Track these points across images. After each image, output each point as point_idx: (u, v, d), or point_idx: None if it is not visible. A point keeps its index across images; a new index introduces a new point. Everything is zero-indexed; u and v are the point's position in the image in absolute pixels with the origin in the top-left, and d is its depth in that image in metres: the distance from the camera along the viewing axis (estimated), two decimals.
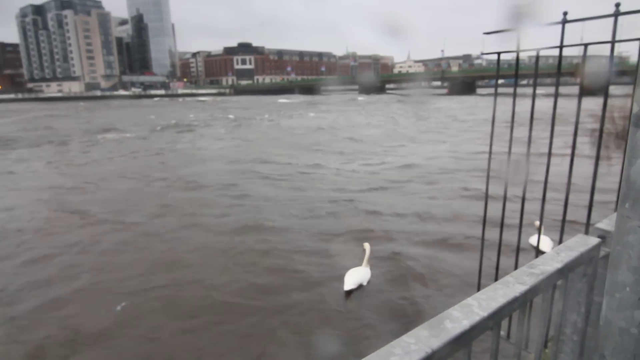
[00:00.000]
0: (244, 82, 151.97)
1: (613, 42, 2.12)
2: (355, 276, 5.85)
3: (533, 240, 6.51)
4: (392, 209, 9.26)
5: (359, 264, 6.14)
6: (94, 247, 7.38)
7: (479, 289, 3.13)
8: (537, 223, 7.12)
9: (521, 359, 1.26)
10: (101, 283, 6.10)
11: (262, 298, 5.64)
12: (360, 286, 5.82)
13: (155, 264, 6.68)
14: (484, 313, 0.93)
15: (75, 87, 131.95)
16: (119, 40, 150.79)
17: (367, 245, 6.23)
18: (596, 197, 2.40)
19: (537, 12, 2.25)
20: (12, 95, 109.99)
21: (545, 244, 6.41)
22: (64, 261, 6.83)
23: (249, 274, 6.38)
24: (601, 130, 2.35)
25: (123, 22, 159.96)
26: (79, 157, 17.82)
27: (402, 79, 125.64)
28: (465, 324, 0.89)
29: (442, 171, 13.31)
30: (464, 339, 0.88)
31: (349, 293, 5.67)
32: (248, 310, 5.32)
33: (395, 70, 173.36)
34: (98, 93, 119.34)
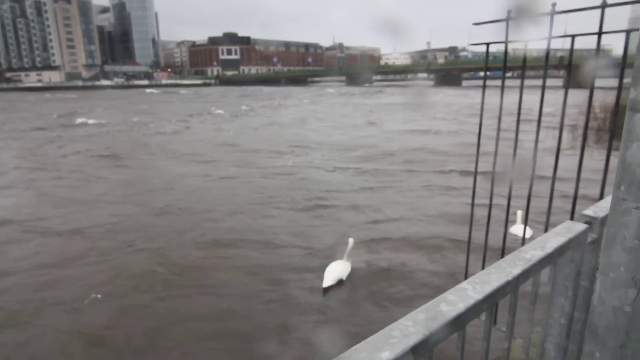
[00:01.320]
0: (229, 73, 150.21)
1: (600, 34, 2.16)
2: (335, 271, 5.87)
3: (514, 229, 6.67)
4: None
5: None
6: None
7: (466, 277, 3.19)
8: (520, 213, 7.20)
9: (509, 344, 1.29)
10: None
11: None
12: (340, 281, 5.85)
13: None
14: (478, 296, 0.95)
15: (55, 77, 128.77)
16: (101, 29, 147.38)
17: (350, 240, 6.27)
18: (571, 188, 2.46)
19: (528, 4, 2.27)
20: None
21: (527, 233, 6.58)
22: None
23: None
24: (587, 120, 2.40)
25: (104, 10, 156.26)
26: None
27: (389, 70, 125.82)
28: (460, 307, 0.91)
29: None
30: (459, 322, 0.90)
31: (328, 289, 5.69)
32: None
33: (382, 62, 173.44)
34: (79, 83, 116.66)
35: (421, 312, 0.88)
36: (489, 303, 0.99)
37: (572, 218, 2.39)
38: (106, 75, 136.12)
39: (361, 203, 9.26)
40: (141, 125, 25.47)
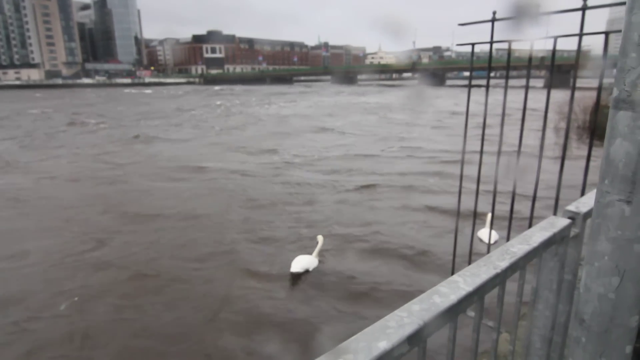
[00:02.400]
0: (214, 71, 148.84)
1: (581, 35, 2.23)
2: (303, 261, 6.18)
3: (481, 233, 6.81)
4: None
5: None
6: None
7: (452, 273, 3.25)
8: (489, 215, 7.38)
9: (496, 336, 1.34)
10: None
11: None
12: (306, 271, 6.17)
13: None
14: (469, 288, 0.99)
15: (34, 75, 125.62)
16: (81, 26, 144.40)
17: (320, 237, 6.46)
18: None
19: (523, 5, 2.33)
20: None
21: (492, 237, 6.72)
22: None
23: None
24: (569, 120, 2.47)
25: (85, 7, 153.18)
26: None
27: (374, 70, 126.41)
28: (452, 298, 0.94)
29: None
30: (451, 313, 0.93)
31: (296, 276, 6.05)
32: None
33: (367, 61, 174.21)
34: (59, 81, 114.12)
35: (415, 304, 0.91)
36: (479, 295, 1.02)
37: (555, 214, 2.47)
38: (87, 74, 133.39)
39: None
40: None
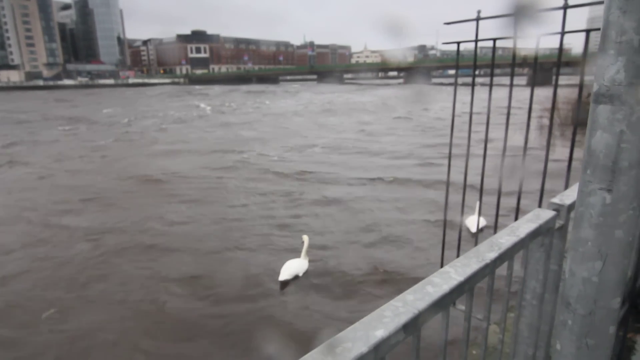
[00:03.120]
0: (199, 72, 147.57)
1: (562, 34, 2.29)
2: (292, 267, 6.15)
3: (468, 221, 6.97)
4: None
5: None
6: None
7: (442, 265, 3.31)
8: (478, 203, 7.55)
9: (487, 325, 1.38)
10: None
11: None
12: (296, 277, 6.14)
13: None
14: (460, 278, 1.02)
15: (14, 77, 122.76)
16: (62, 26, 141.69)
17: (305, 238, 6.48)
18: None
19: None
20: None
21: (481, 223, 6.93)
22: None
23: None
24: (552, 115, 2.54)
25: (66, 7, 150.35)
26: None
27: (360, 68, 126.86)
28: (445, 288, 0.98)
29: None
30: (444, 302, 0.97)
31: (285, 283, 6.01)
32: None
33: (353, 60, 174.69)
34: (40, 83, 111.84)
35: (410, 294, 0.94)
36: (470, 284, 1.06)
37: (539, 204, 2.54)
38: (69, 75, 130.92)
39: None
40: None
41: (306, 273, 6.28)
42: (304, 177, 12.36)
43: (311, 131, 22.86)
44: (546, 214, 1.49)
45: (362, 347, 0.78)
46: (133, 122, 28.88)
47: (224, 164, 14.25)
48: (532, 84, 2.58)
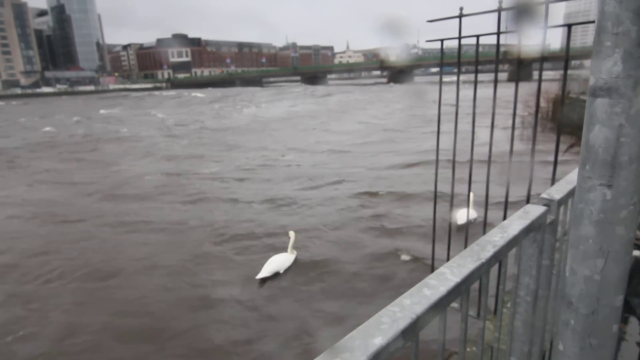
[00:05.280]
0: (181, 76, 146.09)
1: (546, 28, 2.30)
2: (274, 264, 6.19)
3: (458, 215, 7.02)
4: None
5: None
6: None
7: (433, 261, 3.30)
8: (472, 195, 7.65)
9: (484, 324, 1.37)
10: None
11: None
12: (276, 274, 6.16)
13: None
14: (456, 279, 1.00)
15: None
16: (39, 33, 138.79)
17: (292, 233, 6.54)
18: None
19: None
20: None
21: (471, 215, 7.02)
22: None
23: None
24: (537, 111, 2.56)
25: (42, 13, 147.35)
26: None
27: (343, 69, 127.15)
28: (442, 290, 0.96)
29: None
30: (442, 304, 0.95)
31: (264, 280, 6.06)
32: None
33: (336, 61, 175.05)
34: (18, 91, 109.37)
35: (406, 298, 0.92)
36: (467, 285, 1.04)
37: (527, 201, 2.55)
38: (47, 82, 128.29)
39: None
40: None
41: (289, 268, 6.31)
42: None
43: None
44: (537, 210, 1.48)
45: (361, 357, 0.75)
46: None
47: None
48: (517, 79, 2.59)
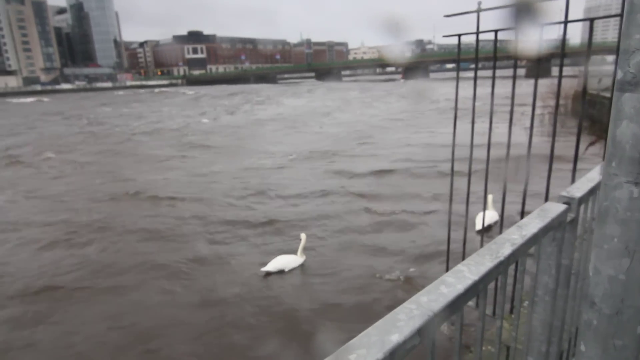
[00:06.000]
0: (196, 72, 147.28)
1: (566, 23, 2.25)
2: (280, 262, 6.28)
3: (477, 217, 6.83)
4: None
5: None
6: None
7: (447, 262, 3.27)
8: (490, 197, 7.47)
9: (490, 324, 1.35)
10: None
11: None
12: (281, 271, 6.25)
13: None
14: (474, 277, 0.99)
15: (12, 82, 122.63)
16: (58, 31, 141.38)
17: (303, 235, 6.55)
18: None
19: None
20: None
21: (492, 217, 6.88)
22: None
23: None
24: (556, 107, 2.50)
25: (61, 11, 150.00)
26: None
27: (358, 65, 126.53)
28: (459, 288, 0.94)
29: None
30: (459, 302, 0.94)
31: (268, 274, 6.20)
32: None
33: (350, 57, 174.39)
34: (38, 87, 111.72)
35: (423, 295, 0.91)
36: (485, 283, 1.03)
37: (546, 199, 2.50)
38: (66, 79, 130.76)
39: None
40: None
41: (295, 269, 6.35)
42: None
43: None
44: (557, 208, 1.45)
45: (378, 354, 0.74)
46: None
47: None
48: (536, 75, 2.54)
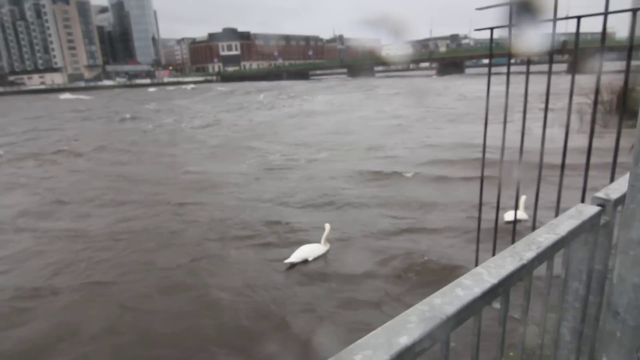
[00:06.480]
0: (230, 69, 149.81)
1: (606, 14, 2.12)
2: (303, 251, 6.34)
3: (507, 216, 6.66)
4: None
5: None
6: None
7: (477, 264, 3.19)
8: (524, 198, 7.17)
9: (524, 328, 1.29)
10: None
11: None
12: (305, 261, 6.29)
13: None
14: (493, 280, 0.95)
15: (58, 79, 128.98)
16: (101, 29, 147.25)
17: (327, 225, 6.57)
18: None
19: None
20: None
21: (522, 217, 6.64)
22: None
23: None
24: (595, 104, 2.37)
25: (103, 10, 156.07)
26: None
27: (390, 61, 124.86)
28: (476, 291, 0.91)
29: None
30: (475, 306, 0.90)
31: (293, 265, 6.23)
32: None
33: (383, 53, 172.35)
34: (82, 84, 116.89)
35: (437, 297, 0.88)
36: (504, 287, 0.98)
37: (582, 199, 2.38)
38: (108, 75, 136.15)
39: None
40: None
41: (318, 258, 6.40)
42: None
43: None
44: (590, 210, 1.37)
45: (384, 356, 0.72)
46: None
47: None
48: (573, 71, 2.42)
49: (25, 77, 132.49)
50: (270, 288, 5.70)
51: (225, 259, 6.62)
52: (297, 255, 6.27)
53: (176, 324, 4.90)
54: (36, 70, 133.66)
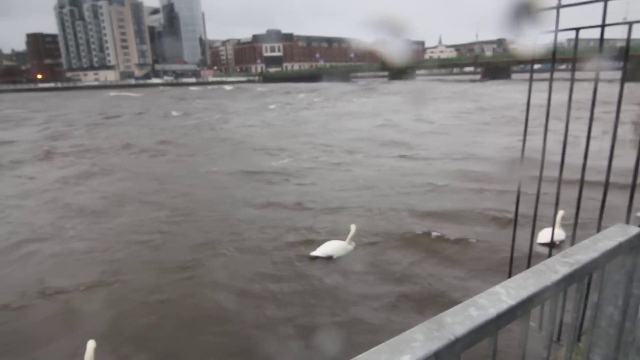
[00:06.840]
0: (272, 70, 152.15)
1: (603, 26, 1.97)
2: (329, 247, 6.34)
3: (542, 233, 6.20)
4: None
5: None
6: None
7: (510, 273, 3.05)
8: (561, 213, 6.72)
9: (553, 352, 1.21)
10: None
11: None
12: (330, 257, 6.32)
13: None
14: (512, 302, 0.89)
15: (110, 76, 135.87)
16: (151, 30, 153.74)
17: (353, 226, 6.63)
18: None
19: None
20: (52, 84, 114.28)
21: (558, 236, 6.12)
22: None
23: None
24: None
25: (155, 12, 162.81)
26: None
27: (433, 64, 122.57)
28: (492, 312, 0.86)
29: None
30: (489, 328, 0.85)
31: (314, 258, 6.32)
32: None
33: (426, 56, 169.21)
34: (132, 81, 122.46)
35: (448, 316, 0.84)
36: (524, 309, 0.92)
37: (627, 219, 2.22)
38: (157, 74, 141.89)
39: None
40: None
41: (342, 257, 6.38)
42: None
43: None
44: (631, 231, 1.28)
45: None
46: None
47: None
48: (622, 79, 2.26)
49: (81, 73, 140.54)
50: None
51: None
52: (322, 251, 6.26)
53: None
54: (91, 68, 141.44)
